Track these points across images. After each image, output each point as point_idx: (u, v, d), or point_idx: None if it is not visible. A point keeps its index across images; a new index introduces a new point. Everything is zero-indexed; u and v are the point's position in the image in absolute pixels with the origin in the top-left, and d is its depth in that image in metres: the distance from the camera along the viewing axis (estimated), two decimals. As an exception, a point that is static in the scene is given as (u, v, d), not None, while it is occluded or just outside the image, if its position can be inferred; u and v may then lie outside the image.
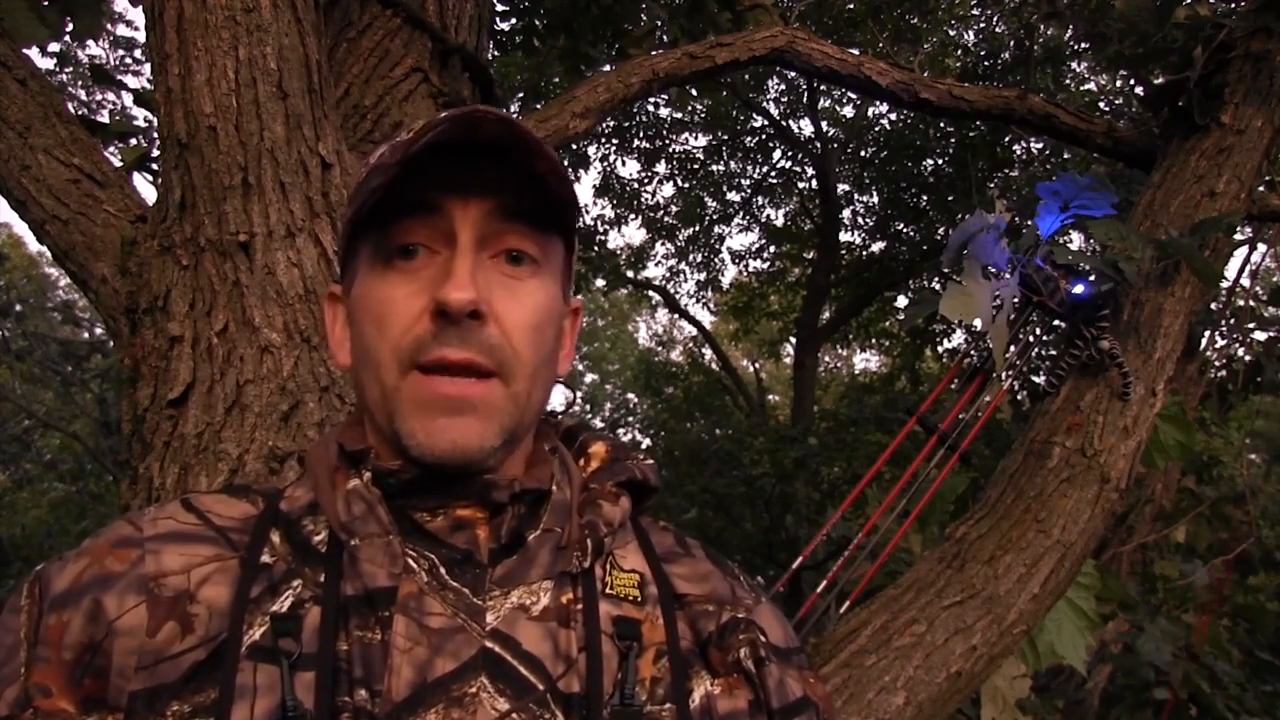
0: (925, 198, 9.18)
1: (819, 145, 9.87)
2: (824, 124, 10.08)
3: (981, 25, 8.43)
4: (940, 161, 8.85)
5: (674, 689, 0.62)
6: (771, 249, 11.62)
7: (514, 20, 3.82)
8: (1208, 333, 3.19)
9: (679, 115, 10.11)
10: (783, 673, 0.66)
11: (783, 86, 9.85)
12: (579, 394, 18.66)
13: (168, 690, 0.57)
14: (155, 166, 1.90)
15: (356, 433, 0.68)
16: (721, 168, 10.89)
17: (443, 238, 0.61)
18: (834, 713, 0.70)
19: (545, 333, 0.64)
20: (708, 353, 13.88)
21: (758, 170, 10.96)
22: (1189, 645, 2.69)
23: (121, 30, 8.21)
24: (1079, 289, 1.81)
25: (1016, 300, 1.85)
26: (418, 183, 0.60)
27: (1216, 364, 3.46)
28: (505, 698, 0.58)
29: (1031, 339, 1.92)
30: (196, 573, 0.61)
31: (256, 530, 0.64)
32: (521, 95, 8.32)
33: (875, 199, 10.20)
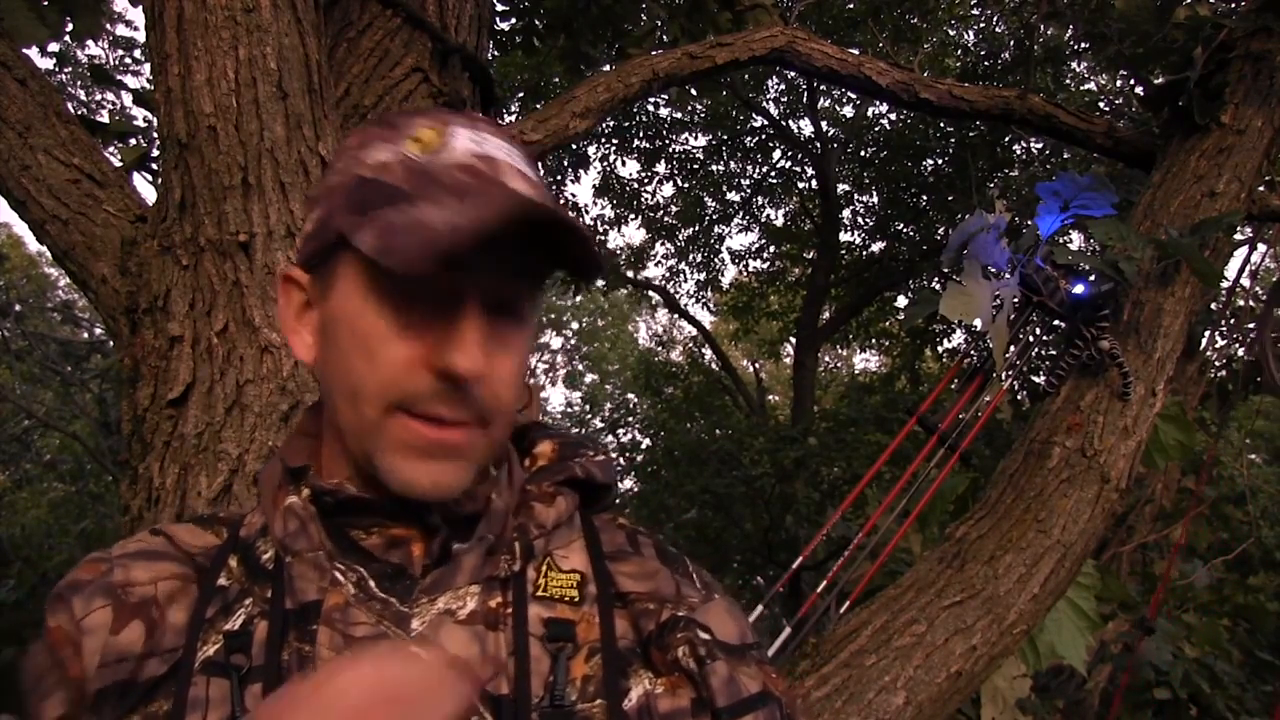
0: (925, 198, 9.19)
1: (819, 145, 9.87)
2: (824, 124, 10.09)
3: (981, 25, 8.43)
4: (940, 161, 8.85)
5: (605, 685, 0.62)
6: (771, 249, 11.63)
7: (514, 20, 3.82)
8: (1208, 333, 3.19)
9: (679, 115, 10.11)
10: (733, 670, 0.65)
11: (783, 86, 9.85)
12: (579, 394, 18.64)
13: (131, 694, 0.60)
14: (155, 166, 1.90)
15: (299, 446, 0.69)
16: (721, 168, 10.89)
17: (450, 290, 0.59)
18: (798, 709, 0.69)
19: (523, 377, 0.65)
20: (708, 353, 13.87)
21: (758, 170, 10.97)
22: (1144, 620, 2.65)
23: (121, 30, 8.22)
24: (1079, 289, 1.81)
25: (1016, 300, 1.85)
26: None
27: (1216, 364, 3.46)
28: None
29: (1031, 339, 1.92)
30: (163, 585, 0.65)
31: (217, 557, 0.67)
32: (521, 95, 8.32)
33: (875, 199, 10.20)
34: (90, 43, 7.47)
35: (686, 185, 11.05)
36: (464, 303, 0.59)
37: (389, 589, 0.62)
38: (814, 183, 10.40)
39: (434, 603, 0.62)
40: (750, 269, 11.98)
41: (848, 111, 10.29)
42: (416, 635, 0.61)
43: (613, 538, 0.73)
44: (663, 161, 10.65)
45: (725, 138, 10.58)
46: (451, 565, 0.63)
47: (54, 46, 6.39)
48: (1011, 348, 1.88)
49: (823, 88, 9.28)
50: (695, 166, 10.79)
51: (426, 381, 0.59)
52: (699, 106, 10.09)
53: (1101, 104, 7.66)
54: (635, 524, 0.76)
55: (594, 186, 10.79)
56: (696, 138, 10.89)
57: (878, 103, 8.81)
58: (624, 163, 10.69)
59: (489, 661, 0.61)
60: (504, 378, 0.62)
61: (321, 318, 0.66)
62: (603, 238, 11.06)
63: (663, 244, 12.03)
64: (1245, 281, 3.63)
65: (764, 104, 10.04)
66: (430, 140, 0.62)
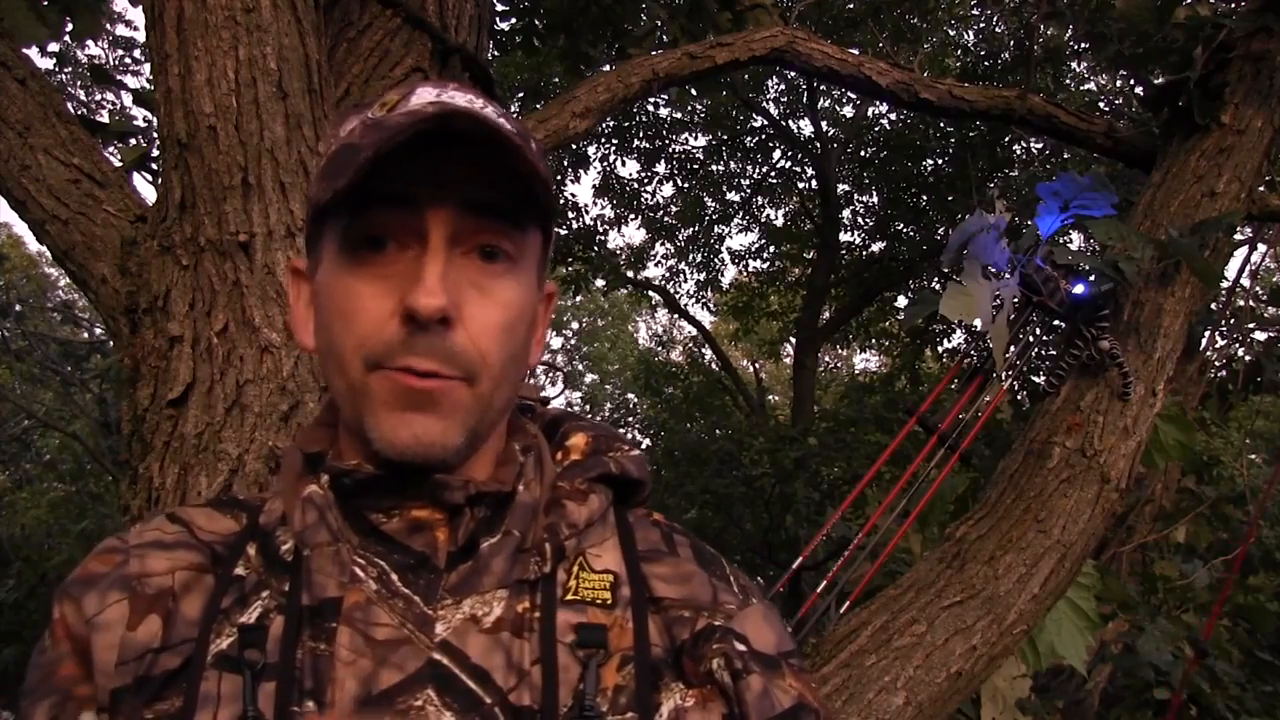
0: (925, 198, 9.18)
1: (819, 145, 9.87)
2: (824, 124, 10.09)
3: (981, 25, 8.43)
4: (940, 161, 8.85)
5: (638, 698, 0.60)
6: (771, 249, 11.62)
7: (514, 20, 3.82)
8: (1208, 333, 3.19)
9: (679, 115, 10.11)
10: (768, 683, 0.63)
11: (783, 86, 9.85)
12: (579, 394, 18.65)
13: (147, 689, 0.58)
14: (155, 166, 1.90)
15: (318, 434, 0.68)
16: (721, 168, 10.89)
17: (413, 232, 0.59)
18: (832, 716, 0.69)
19: (516, 331, 0.62)
20: (708, 353, 13.87)
21: (758, 170, 10.96)
22: (1194, 639, 2.68)
23: (121, 30, 8.23)
24: (1079, 289, 1.81)
25: (1016, 300, 1.85)
26: (389, 171, 0.57)
27: (1216, 364, 3.46)
28: (452, 711, 0.57)
29: (1031, 339, 1.92)
30: (180, 575, 0.63)
31: (235, 545, 0.65)
32: (521, 95, 8.32)
33: (875, 199, 10.20)
34: (90, 43, 7.48)
35: (686, 185, 11.04)
36: (426, 242, 0.58)
37: (412, 582, 0.60)
38: (814, 183, 10.40)
39: (459, 605, 0.60)
40: (750, 269, 11.97)
41: (848, 111, 10.29)
42: (440, 642, 0.59)
43: (647, 535, 0.70)
44: (663, 161, 10.65)
45: (725, 138, 10.58)
46: (478, 565, 0.61)
47: (54, 46, 6.39)
48: (1011, 348, 1.88)
49: (823, 88, 9.28)
50: (695, 166, 10.79)
51: (395, 330, 0.58)
52: (699, 106, 10.09)
53: (1101, 104, 7.66)
54: (671, 521, 0.73)
55: (594, 186, 10.79)
56: (696, 138, 10.88)
57: (878, 103, 8.81)
58: (624, 163, 10.68)
59: (511, 670, 0.59)
60: (487, 327, 0.60)
61: (312, 296, 0.66)
62: (602, 238, 11.06)
63: (663, 244, 12.03)
64: (1245, 281, 3.64)
65: (764, 104, 10.04)
66: (392, 100, 0.62)
